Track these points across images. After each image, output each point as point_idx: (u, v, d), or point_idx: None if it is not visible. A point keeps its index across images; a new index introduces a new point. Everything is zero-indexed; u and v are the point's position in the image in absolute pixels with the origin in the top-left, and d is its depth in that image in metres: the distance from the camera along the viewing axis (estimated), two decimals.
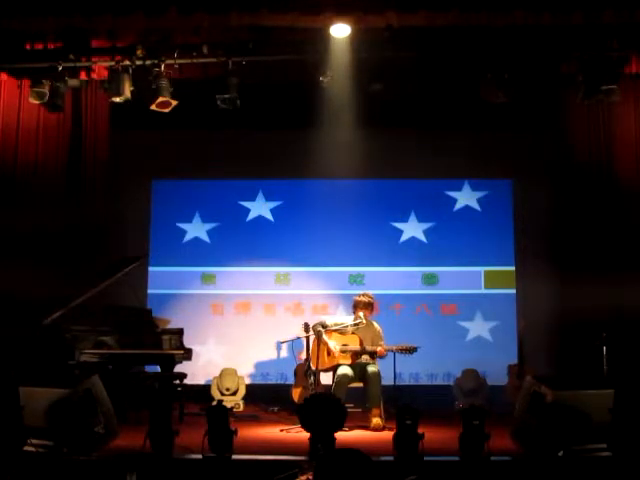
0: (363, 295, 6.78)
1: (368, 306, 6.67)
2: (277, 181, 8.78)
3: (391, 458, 4.66)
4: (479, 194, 8.75)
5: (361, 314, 6.62)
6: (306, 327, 6.72)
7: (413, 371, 8.29)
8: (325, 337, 6.59)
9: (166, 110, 6.63)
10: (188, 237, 8.80)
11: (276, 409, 7.44)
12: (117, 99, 6.51)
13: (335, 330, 6.67)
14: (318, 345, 6.57)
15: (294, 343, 7.00)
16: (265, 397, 7.96)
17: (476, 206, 8.74)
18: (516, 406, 5.26)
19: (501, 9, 6.08)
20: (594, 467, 4.60)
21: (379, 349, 6.47)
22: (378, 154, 8.26)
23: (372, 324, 6.74)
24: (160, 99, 6.50)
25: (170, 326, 7.16)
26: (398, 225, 8.72)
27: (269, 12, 6.12)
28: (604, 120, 7.56)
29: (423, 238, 8.69)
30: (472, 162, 8.42)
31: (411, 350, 6.43)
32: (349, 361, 6.52)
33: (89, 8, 6.17)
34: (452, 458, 4.80)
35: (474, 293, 8.57)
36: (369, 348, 6.52)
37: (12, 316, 6.72)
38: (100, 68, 6.77)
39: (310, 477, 3.62)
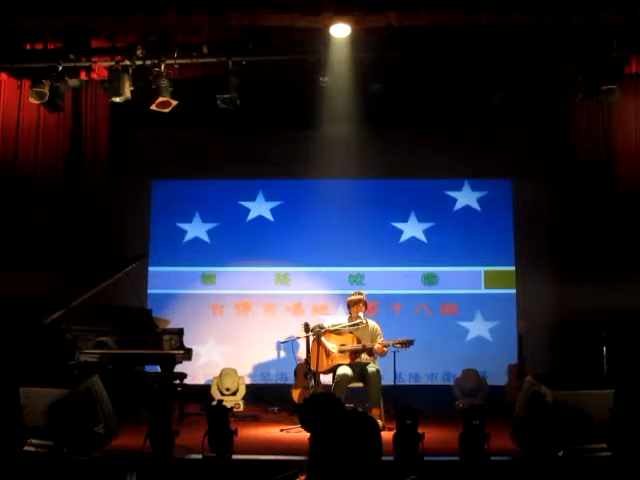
0: (354, 294, 6.79)
1: (359, 303, 6.66)
2: (277, 181, 8.79)
3: (391, 458, 4.65)
4: (479, 194, 8.76)
5: (361, 314, 6.62)
6: (306, 327, 6.71)
7: (413, 371, 8.29)
8: (323, 339, 6.59)
9: (166, 110, 6.62)
10: (188, 237, 8.80)
11: (276, 409, 7.44)
12: (117, 99, 6.50)
13: (334, 331, 6.67)
14: (318, 346, 6.57)
15: (294, 343, 7.00)
16: (265, 397, 7.96)
17: (476, 206, 8.74)
18: (516, 406, 5.25)
19: (501, 9, 6.07)
20: (594, 467, 4.60)
21: (377, 346, 6.46)
22: (378, 154, 8.27)
23: (368, 323, 6.72)
24: (160, 99, 6.50)
25: (170, 326, 7.17)
26: (398, 225, 8.73)
27: (269, 12, 6.11)
28: (604, 120, 7.57)
29: (423, 238, 8.70)
30: (472, 162, 8.43)
31: (407, 343, 6.42)
32: (348, 360, 6.52)
33: (89, 8, 6.16)
34: (452, 458, 4.81)
35: (474, 293, 8.57)
36: (367, 345, 6.52)
37: (12, 316, 6.72)
38: (100, 68, 6.77)
39: None
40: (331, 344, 6.60)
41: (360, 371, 6.48)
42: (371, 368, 6.41)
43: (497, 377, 7.82)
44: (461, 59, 6.64)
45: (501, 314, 8.48)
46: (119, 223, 8.22)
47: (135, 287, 7.21)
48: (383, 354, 6.51)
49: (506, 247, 8.60)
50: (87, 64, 6.70)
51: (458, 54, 6.58)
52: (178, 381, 6.79)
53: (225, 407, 4.92)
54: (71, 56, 6.55)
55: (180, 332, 6.96)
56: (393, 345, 6.46)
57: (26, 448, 4.72)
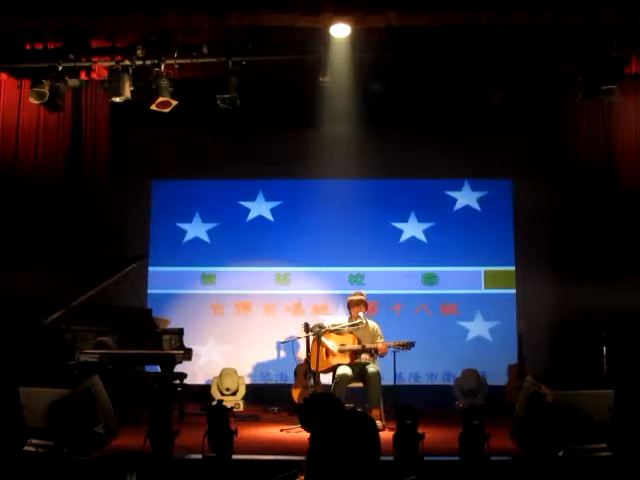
0: (354, 294, 6.79)
1: (360, 303, 6.67)
2: (277, 181, 8.79)
3: (391, 458, 4.65)
4: (479, 194, 8.76)
5: (361, 314, 6.62)
6: (306, 327, 6.71)
7: (413, 371, 8.29)
8: (323, 339, 6.59)
9: (166, 110, 6.62)
10: (188, 237, 8.80)
11: (276, 409, 7.44)
12: (117, 99, 6.50)
13: (334, 331, 6.67)
14: (318, 345, 6.57)
15: (294, 343, 7.00)
16: (265, 397, 7.97)
17: (476, 206, 8.75)
18: (516, 406, 5.25)
19: (501, 9, 6.07)
20: (594, 467, 4.60)
21: (379, 345, 6.46)
22: (378, 154, 8.27)
23: (368, 323, 6.72)
24: (160, 99, 6.50)
25: (170, 326, 7.17)
26: (398, 225, 8.73)
27: (269, 12, 6.10)
28: (604, 120, 7.57)
29: (423, 238, 8.70)
30: (472, 162, 8.43)
31: (408, 345, 6.42)
32: (348, 360, 6.52)
33: (89, 8, 6.15)
34: (452, 458, 4.80)
35: (474, 293, 8.57)
36: (368, 346, 6.52)
37: (12, 316, 6.72)
38: (100, 68, 6.77)
39: None
40: (331, 342, 6.60)
41: (360, 371, 6.48)
42: (371, 368, 6.41)
43: (497, 377, 7.82)
44: (461, 59, 6.63)
45: (501, 314, 8.48)
46: (119, 223, 8.22)
47: (135, 287, 7.20)
48: (384, 354, 6.51)
49: (506, 247, 8.60)
50: (87, 64, 6.70)
51: (458, 54, 6.57)
52: (178, 381, 6.79)
53: (225, 407, 4.91)
54: (71, 56, 6.55)
55: (180, 332, 6.96)
56: (393, 347, 6.47)
57: (26, 448, 4.72)
